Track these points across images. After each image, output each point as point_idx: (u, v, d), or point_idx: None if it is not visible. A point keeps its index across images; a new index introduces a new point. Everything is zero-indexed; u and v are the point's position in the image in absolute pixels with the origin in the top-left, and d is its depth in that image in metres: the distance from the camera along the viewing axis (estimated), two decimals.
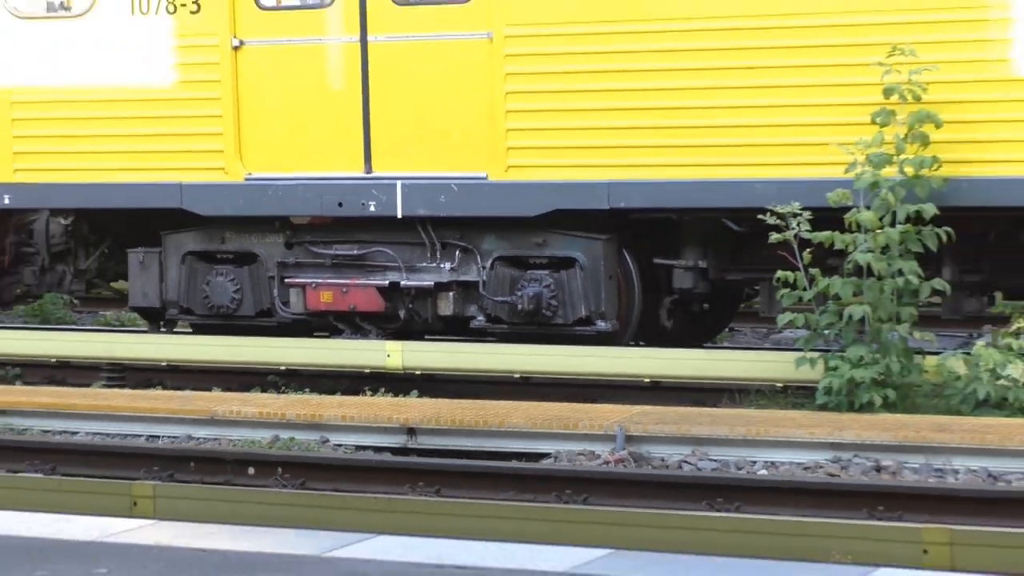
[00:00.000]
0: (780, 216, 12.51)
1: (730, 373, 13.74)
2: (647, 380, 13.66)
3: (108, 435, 12.95)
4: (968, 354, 12.51)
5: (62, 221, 16.25)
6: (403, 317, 14.94)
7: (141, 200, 15.41)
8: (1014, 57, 12.78)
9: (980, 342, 12.60)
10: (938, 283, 12.68)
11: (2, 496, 10.21)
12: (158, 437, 12.82)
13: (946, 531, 9.19)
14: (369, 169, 14.63)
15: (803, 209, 12.48)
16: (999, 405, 12.17)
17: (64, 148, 15.44)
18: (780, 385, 13.20)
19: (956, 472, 11.28)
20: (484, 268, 14.60)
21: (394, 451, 12.42)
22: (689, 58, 13.55)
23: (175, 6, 15.03)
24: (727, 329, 16.42)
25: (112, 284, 17.01)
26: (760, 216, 12.67)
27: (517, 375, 13.95)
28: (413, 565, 6.96)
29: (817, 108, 13.18)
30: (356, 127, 14.63)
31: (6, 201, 15.75)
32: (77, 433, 13.04)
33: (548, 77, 13.94)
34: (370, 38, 14.54)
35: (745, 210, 13.25)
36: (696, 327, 15.48)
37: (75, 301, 18.20)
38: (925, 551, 8.84)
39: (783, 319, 13.18)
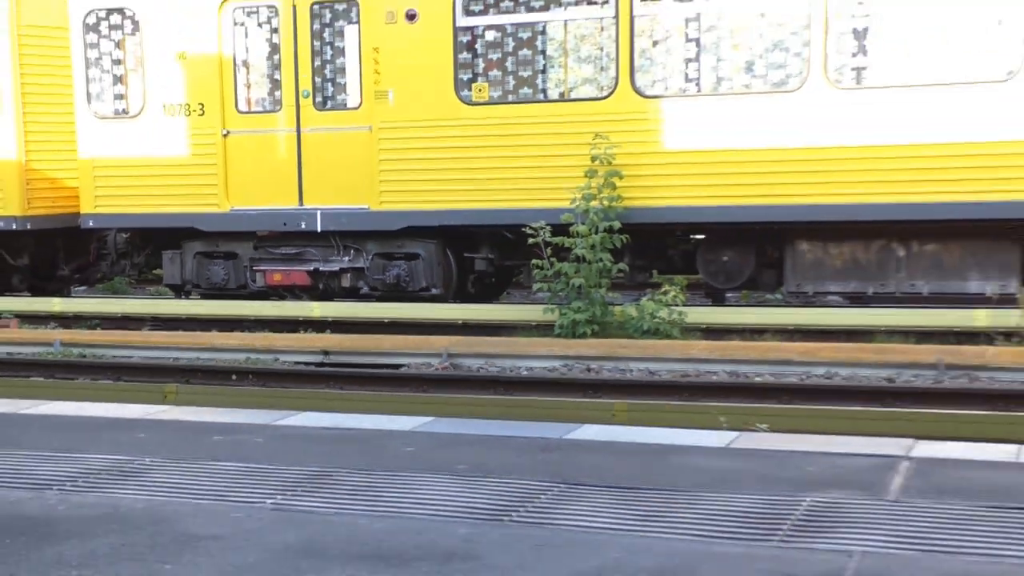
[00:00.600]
0: (535, 229, 12.54)
1: (507, 317, 13.73)
2: (460, 322, 13.55)
3: (151, 357, 12.72)
4: (638, 304, 12.60)
5: (124, 235, 15.94)
6: (321, 288, 14.81)
7: (170, 222, 15.13)
8: (661, 138, 12.91)
9: (645, 298, 12.67)
10: (622, 265, 12.78)
11: (87, 394, 10.00)
12: (180, 358, 12.61)
13: (625, 403, 9.32)
14: (301, 203, 14.44)
15: (547, 225, 12.52)
16: (655, 333, 12.29)
17: (125, 192, 15.15)
18: (534, 323, 13.17)
19: (631, 370, 11.39)
20: (368, 259, 14.49)
21: (316, 364, 12.32)
22: (483, 140, 13.52)
23: (190, 111, 14.76)
24: (506, 292, 16.37)
25: (153, 271, 16.68)
26: (523, 229, 12.70)
27: (387, 320, 13.81)
28: (323, 428, 6.95)
29: (556, 168, 13.15)
30: (293, 179, 14.43)
31: (91, 223, 15.46)
32: (132, 357, 12.80)
33: (403, 151, 13.84)
34: (302, 130, 14.35)
35: (515, 225, 13.22)
36: (488, 292, 15.45)
37: (132, 281, 17.83)
38: (613, 415, 8.93)
39: (536, 287, 13.29)
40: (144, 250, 16.06)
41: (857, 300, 13.13)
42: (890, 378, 10.72)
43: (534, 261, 12.91)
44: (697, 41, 12.97)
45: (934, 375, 10.64)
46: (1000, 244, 12.53)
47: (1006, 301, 12.41)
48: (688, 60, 13.02)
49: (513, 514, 4.95)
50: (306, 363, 12.39)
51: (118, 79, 15.27)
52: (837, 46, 12.37)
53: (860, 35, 12.37)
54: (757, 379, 10.91)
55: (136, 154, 15.11)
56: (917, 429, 7.86)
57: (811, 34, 12.37)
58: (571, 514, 4.94)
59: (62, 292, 17.34)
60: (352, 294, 14.80)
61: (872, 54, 12.36)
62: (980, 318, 11.96)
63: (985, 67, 11.94)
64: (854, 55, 12.41)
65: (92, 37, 15.26)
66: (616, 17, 12.99)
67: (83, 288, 18.57)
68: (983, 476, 5.50)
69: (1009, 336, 11.61)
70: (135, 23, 15.02)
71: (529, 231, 12.69)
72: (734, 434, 6.68)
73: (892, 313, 12.46)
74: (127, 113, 15.22)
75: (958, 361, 10.80)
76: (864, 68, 12.39)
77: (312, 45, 14.34)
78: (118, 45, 15.22)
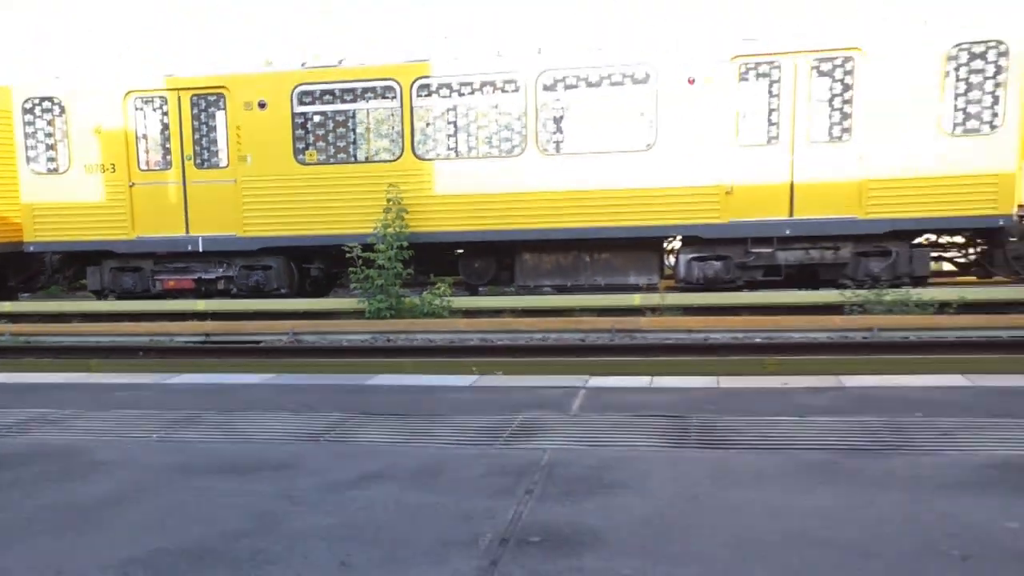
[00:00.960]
0: (350, 247, 12.40)
1: (333, 307, 13.39)
2: (302, 310, 13.22)
3: (78, 342, 11.94)
4: (421, 296, 12.57)
5: (57, 256, 14.90)
6: (204, 291, 14.20)
7: (92, 247, 14.20)
8: (433, 187, 12.92)
9: (425, 292, 12.61)
10: (409, 271, 12.68)
11: (28, 368, 9.36)
12: (101, 341, 11.86)
13: (412, 361, 9.29)
14: (188, 232, 13.79)
15: (359, 245, 12.41)
16: (432, 314, 12.29)
17: (57, 226, 14.16)
18: (351, 310, 12.93)
19: (416, 339, 11.33)
20: (236, 270, 13.98)
21: (200, 343, 11.82)
22: (314, 189, 13.25)
23: (104, 169, 13.90)
24: (332, 290, 16.03)
25: (80, 281, 15.60)
26: (343, 248, 12.53)
27: (250, 311, 13.32)
28: (198, 384, 6.68)
29: (364, 207, 12.99)
30: (182, 215, 13.75)
31: (32, 248, 14.38)
32: (64, 341, 11.98)
33: (258, 197, 13.40)
34: (187, 182, 13.71)
35: (337, 245, 13.00)
36: (320, 290, 15.10)
37: (64, 288, 16.61)
38: (404, 369, 8.86)
39: (352, 286, 13.05)
40: (72, 266, 15.06)
41: (561, 290, 13.46)
42: (582, 339, 11.06)
43: (351, 269, 12.74)
44: (455, 123, 13.03)
45: (609, 336, 11.03)
46: (646, 253, 13.11)
47: (651, 289, 12.99)
48: (449, 135, 13.07)
49: (326, 436, 4.89)
50: (193, 342, 11.90)
51: (50, 147, 14.24)
52: (543, 127, 12.68)
53: (558, 120, 12.71)
54: (498, 342, 11.07)
55: (65, 199, 14.13)
56: (595, 370, 8.13)
57: (527, 120, 12.63)
58: (365, 434, 4.92)
59: (11, 298, 16.12)
60: (225, 294, 14.24)
61: (566, 132, 12.71)
62: (636, 300, 12.41)
63: (635, 141, 12.44)
64: (554, 133, 12.74)
65: (29, 117, 14.18)
66: (401, 107, 12.96)
67: (27, 295, 17.26)
68: (630, 397, 5.75)
69: (654, 310, 12.12)
70: (62, 107, 14.04)
71: (346, 249, 12.53)
72: (477, 377, 6.79)
73: (583, 298, 12.81)
74: (57, 171, 14.21)
75: (624, 327, 11.21)
76: (561, 141, 12.73)
77: (192, 123, 13.74)
78: (49, 123, 14.19)
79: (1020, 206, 11.98)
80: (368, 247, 12.56)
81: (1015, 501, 3.68)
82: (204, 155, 13.87)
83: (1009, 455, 4.27)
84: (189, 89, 13.69)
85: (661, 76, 12.18)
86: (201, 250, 13.87)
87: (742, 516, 3.62)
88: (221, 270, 14.10)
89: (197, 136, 13.81)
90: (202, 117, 13.78)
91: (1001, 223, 11.63)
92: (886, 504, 3.71)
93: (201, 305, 13.63)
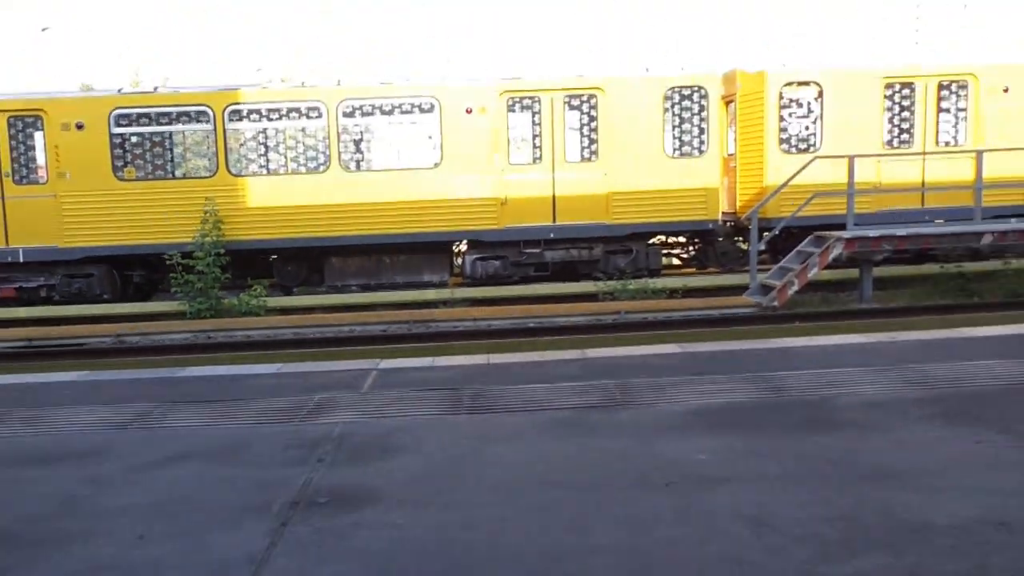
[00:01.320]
0: (170, 255, 11.61)
1: (156, 310, 12.35)
2: (126, 314, 12.10)
3: None
4: (239, 296, 11.91)
5: None
6: (27, 299, 12.67)
7: None
8: (247, 200, 12.30)
9: (243, 294, 11.98)
10: (227, 275, 11.99)
11: None
12: None
13: (229, 355, 8.76)
14: (8, 244, 12.25)
15: (179, 252, 11.63)
16: (250, 313, 11.68)
17: None
18: (174, 312, 12.04)
19: (236, 336, 10.74)
20: (59, 278, 12.59)
21: (21, 348, 10.57)
22: (133, 203, 12.17)
23: None
24: (155, 295, 14.87)
25: None
26: (163, 256, 11.69)
27: (74, 315, 12.09)
28: (13, 384, 5.96)
29: (183, 218, 12.11)
30: (0, 228, 12.28)
31: None
32: None
33: (79, 210, 12.13)
34: (5, 196, 12.22)
35: (159, 253, 12.09)
36: (143, 294, 13.90)
37: None
38: (220, 362, 8.32)
39: (174, 290, 12.15)
40: None
41: (366, 288, 13.23)
42: (384, 330, 10.92)
43: (171, 275, 11.89)
44: (265, 144, 12.44)
45: (407, 327, 10.99)
46: (438, 255, 13.15)
47: (443, 285, 13.06)
48: (260, 154, 12.42)
49: (134, 424, 4.54)
50: (13, 348, 10.62)
51: None
52: (345, 148, 12.42)
53: (358, 142, 12.47)
54: (311, 336, 10.74)
55: None
56: (388, 355, 8.05)
57: (331, 141, 12.33)
58: (172, 420, 4.61)
59: None
60: (48, 301, 12.82)
61: (365, 152, 12.50)
62: (431, 295, 12.47)
63: (424, 160, 12.46)
64: (355, 153, 12.48)
65: None
66: (215, 130, 12.25)
67: None
68: (414, 375, 5.75)
69: (446, 303, 12.21)
70: None
71: (167, 257, 11.70)
72: (282, 365, 6.52)
73: (385, 294, 12.67)
74: None
75: (420, 318, 11.21)
76: (361, 160, 12.50)
77: (10, 143, 12.28)
78: None
79: (724, 213, 13.12)
80: (188, 255, 11.76)
81: (706, 439, 4.03)
82: (23, 172, 12.44)
83: (705, 404, 4.66)
84: (5, 111, 12.24)
85: (444, 106, 12.28)
86: (22, 260, 12.43)
87: (502, 467, 3.72)
88: (43, 279, 12.69)
89: (15, 154, 12.37)
90: (20, 137, 12.36)
91: (710, 226, 12.69)
92: (613, 448, 3.94)
93: (23, 312, 12.23)
